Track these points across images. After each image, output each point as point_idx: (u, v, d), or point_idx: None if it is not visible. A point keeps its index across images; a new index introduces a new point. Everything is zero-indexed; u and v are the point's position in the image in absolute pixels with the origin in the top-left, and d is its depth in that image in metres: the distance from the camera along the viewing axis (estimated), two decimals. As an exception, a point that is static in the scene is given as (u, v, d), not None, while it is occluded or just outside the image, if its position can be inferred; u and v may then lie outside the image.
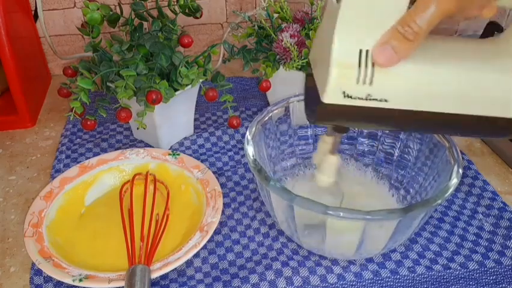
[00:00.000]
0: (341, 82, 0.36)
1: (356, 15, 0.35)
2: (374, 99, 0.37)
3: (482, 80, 0.37)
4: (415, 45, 0.35)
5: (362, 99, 0.37)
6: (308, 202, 0.43)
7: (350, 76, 0.36)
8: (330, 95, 0.37)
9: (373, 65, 0.36)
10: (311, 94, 0.41)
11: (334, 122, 0.43)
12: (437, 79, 0.37)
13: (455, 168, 0.47)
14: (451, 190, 0.45)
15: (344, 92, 0.37)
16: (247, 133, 0.52)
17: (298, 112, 0.57)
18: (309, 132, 0.60)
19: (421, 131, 0.50)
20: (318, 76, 0.39)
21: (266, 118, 0.55)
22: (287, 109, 0.57)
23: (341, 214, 0.42)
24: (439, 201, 0.44)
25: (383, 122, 0.40)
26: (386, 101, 0.37)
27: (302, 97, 0.49)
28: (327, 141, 0.48)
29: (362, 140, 0.61)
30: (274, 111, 0.56)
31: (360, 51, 0.36)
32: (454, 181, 0.46)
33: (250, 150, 0.50)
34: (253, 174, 0.63)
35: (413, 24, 0.34)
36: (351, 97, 0.37)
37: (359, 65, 0.36)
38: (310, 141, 0.60)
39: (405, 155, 0.57)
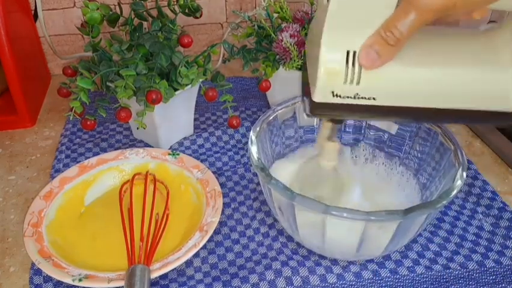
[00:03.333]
0: (329, 82, 0.38)
1: (343, 17, 0.36)
2: (362, 98, 0.38)
3: (465, 77, 0.38)
4: (397, 49, 0.36)
5: (350, 97, 0.38)
6: (309, 201, 0.43)
7: (337, 76, 0.37)
8: (320, 95, 0.38)
9: (359, 65, 0.37)
10: (305, 89, 0.42)
11: (327, 117, 0.46)
12: (421, 78, 0.38)
13: (460, 171, 0.47)
14: (454, 192, 0.44)
15: (332, 92, 0.38)
16: (251, 132, 0.52)
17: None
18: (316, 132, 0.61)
19: (413, 122, 0.52)
20: (310, 74, 0.40)
21: (271, 118, 0.56)
22: (294, 111, 0.58)
23: (345, 214, 0.42)
24: (442, 204, 0.44)
25: (375, 116, 0.42)
26: (374, 99, 0.38)
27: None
28: (327, 126, 0.49)
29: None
30: (279, 111, 0.57)
31: (348, 52, 0.37)
32: (458, 183, 0.46)
33: (253, 149, 0.50)
34: (253, 174, 0.63)
35: (395, 30, 0.35)
36: (340, 96, 0.38)
37: (346, 66, 0.37)
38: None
39: (412, 156, 0.58)
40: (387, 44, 0.36)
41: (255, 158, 0.49)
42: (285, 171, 0.55)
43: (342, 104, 0.39)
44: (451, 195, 0.44)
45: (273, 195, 0.48)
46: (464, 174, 0.47)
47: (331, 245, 0.49)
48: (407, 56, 0.37)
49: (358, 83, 0.37)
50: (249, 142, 0.51)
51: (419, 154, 0.56)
